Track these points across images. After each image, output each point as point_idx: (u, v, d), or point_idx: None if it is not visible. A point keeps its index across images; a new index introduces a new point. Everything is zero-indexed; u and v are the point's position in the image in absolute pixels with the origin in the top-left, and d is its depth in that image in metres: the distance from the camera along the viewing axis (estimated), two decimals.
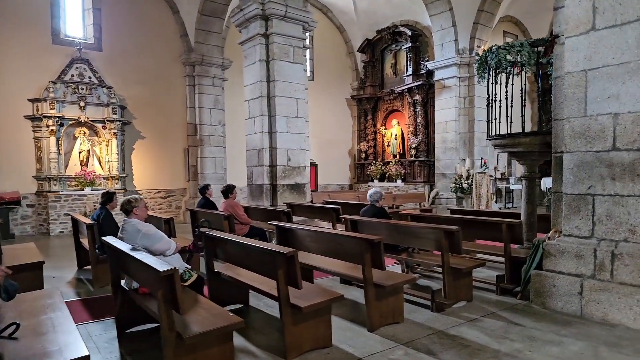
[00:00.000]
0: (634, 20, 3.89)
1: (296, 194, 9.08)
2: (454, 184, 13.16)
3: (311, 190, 13.50)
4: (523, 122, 5.12)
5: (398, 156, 15.13)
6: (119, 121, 11.08)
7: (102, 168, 11.12)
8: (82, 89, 10.70)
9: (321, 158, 15.18)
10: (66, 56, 10.69)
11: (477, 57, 5.44)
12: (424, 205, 13.27)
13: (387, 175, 15.10)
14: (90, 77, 10.88)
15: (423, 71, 14.09)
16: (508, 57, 4.98)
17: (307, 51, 15.21)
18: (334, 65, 15.86)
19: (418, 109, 14.35)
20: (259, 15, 8.81)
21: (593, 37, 4.18)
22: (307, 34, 14.96)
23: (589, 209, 4.26)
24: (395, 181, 14.79)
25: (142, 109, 11.90)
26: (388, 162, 15.19)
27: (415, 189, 14.24)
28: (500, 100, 5.33)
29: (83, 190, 10.60)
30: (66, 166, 10.67)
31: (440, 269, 4.58)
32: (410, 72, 14.31)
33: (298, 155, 9.14)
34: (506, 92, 5.19)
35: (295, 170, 9.10)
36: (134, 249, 3.53)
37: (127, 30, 11.65)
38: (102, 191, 10.82)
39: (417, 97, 14.25)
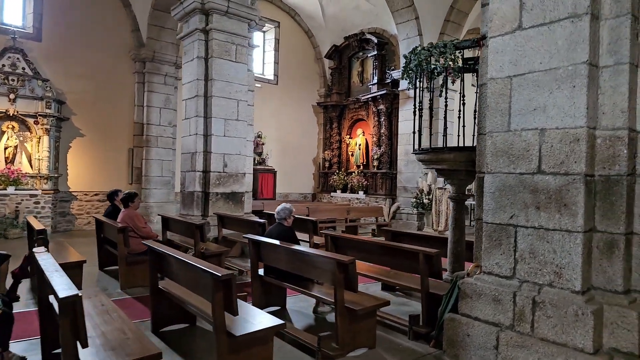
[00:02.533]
0: (565, 17, 3.15)
1: (232, 203, 8.21)
2: (414, 199, 12.41)
3: (267, 199, 12.67)
4: (445, 135, 4.35)
5: (362, 167, 14.36)
6: (53, 116, 10.11)
7: (31, 166, 10.12)
8: (14, 80, 9.73)
9: (284, 165, 14.34)
10: (0, 45, 9.73)
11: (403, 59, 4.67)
12: (384, 220, 12.50)
13: (349, 186, 14.30)
14: (24, 68, 9.91)
15: (388, 80, 13.39)
16: (433, 60, 4.22)
17: (272, 54, 14.48)
18: (301, 71, 15.08)
19: (382, 119, 13.62)
20: (198, 9, 8.00)
21: (519, 37, 3.43)
22: (262, 33, 14.22)
23: (510, 242, 3.49)
24: (357, 193, 14.00)
25: (84, 105, 10.95)
26: (351, 173, 14.41)
27: (377, 202, 13.47)
28: (421, 110, 4.57)
29: (6, 189, 9.58)
30: None
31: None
32: (375, 80, 13.59)
33: (236, 161, 8.28)
34: (430, 99, 4.44)
35: (232, 177, 8.23)
36: None
37: (71, 21, 10.73)
38: (32, 191, 9.88)
39: (382, 106, 13.52)
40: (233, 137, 8.21)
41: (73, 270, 4.97)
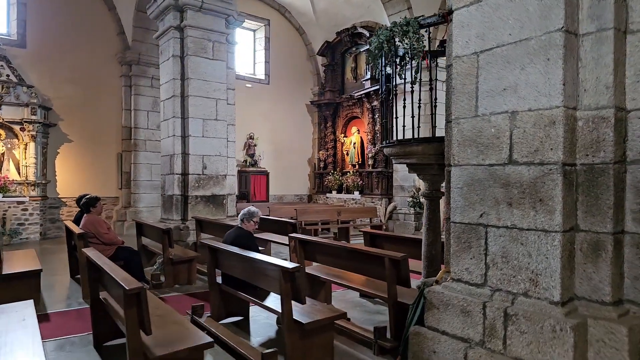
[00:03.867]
0: None
1: (213, 207, 7.74)
2: (411, 198, 11.84)
3: (260, 202, 12.20)
4: (413, 125, 3.81)
5: (357, 166, 13.80)
6: (39, 123, 9.77)
7: (18, 173, 9.79)
8: None
9: (277, 166, 13.85)
10: None
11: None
12: (380, 221, 11.93)
13: (345, 186, 13.75)
14: (8, 75, 9.59)
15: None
16: (397, 40, 3.69)
17: (262, 53, 14.02)
18: (294, 69, 14.57)
19: (377, 116, 13.04)
20: (172, 6, 7.56)
21: (486, 6, 2.89)
22: (252, 32, 13.72)
23: (481, 245, 2.94)
24: (353, 193, 13.45)
25: (72, 110, 10.60)
26: (347, 173, 13.85)
27: (372, 202, 12.89)
28: (392, 99, 4.05)
29: None
30: None
31: None
32: (369, 76, 13.01)
33: (216, 163, 7.81)
34: (395, 85, 3.92)
35: (213, 179, 7.77)
36: None
37: (56, 26, 10.39)
38: (20, 198, 9.55)
39: (376, 103, 12.93)
40: (212, 138, 7.74)
41: (22, 280, 4.58)
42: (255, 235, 7.47)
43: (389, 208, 12.47)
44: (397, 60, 3.86)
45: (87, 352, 3.40)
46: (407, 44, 3.54)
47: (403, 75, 4.20)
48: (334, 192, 14.06)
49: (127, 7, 10.78)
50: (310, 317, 3.09)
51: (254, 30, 14.38)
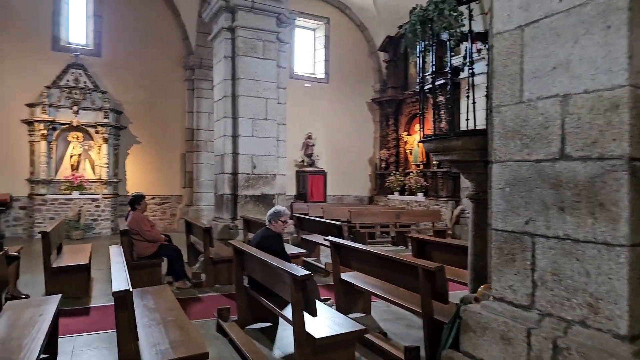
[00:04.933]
0: None
1: (262, 206, 7.73)
2: None
3: (318, 202, 12.10)
4: (452, 118, 3.36)
5: (422, 166, 13.10)
6: (111, 125, 10.57)
7: (93, 173, 10.67)
8: (76, 93, 10.34)
9: (336, 166, 13.63)
10: (65, 62, 10.40)
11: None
12: (445, 225, 11.19)
13: (407, 187, 13.13)
14: (85, 82, 10.50)
15: (447, 69, 11.99)
16: (434, 21, 3.28)
17: (322, 52, 13.91)
18: (354, 66, 14.26)
19: (442, 112, 12.24)
20: (224, 8, 7.70)
21: None
22: (312, 32, 13.61)
23: (527, 258, 2.46)
24: (416, 195, 12.79)
25: (140, 113, 11.34)
26: (409, 173, 13.22)
27: (437, 205, 12.15)
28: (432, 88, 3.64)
29: (71, 194, 10.18)
30: (57, 170, 10.34)
31: None
32: (433, 69, 12.25)
33: (266, 162, 7.81)
34: (432, 73, 3.50)
35: (262, 179, 7.77)
36: None
37: (127, 35, 11.17)
38: (93, 195, 10.41)
39: (441, 98, 12.13)
40: (262, 138, 7.75)
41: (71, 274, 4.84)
42: (303, 237, 7.41)
43: (456, 212, 11.65)
44: (435, 43, 3.43)
45: (109, 350, 3.44)
46: (444, 24, 3.11)
47: (449, 62, 3.77)
48: (395, 194, 13.50)
49: (190, 13, 11.28)
50: (325, 331, 2.82)
51: (314, 30, 14.33)
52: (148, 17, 11.39)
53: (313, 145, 13.15)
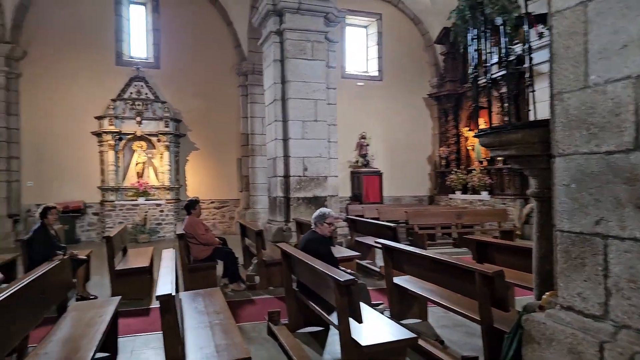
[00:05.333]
0: None
1: (314, 208, 7.68)
2: None
3: (374, 203, 11.96)
4: (509, 109, 3.13)
5: (485, 162, 12.46)
6: (171, 134, 11.18)
7: (157, 179, 11.34)
8: (139, 105, 11.06)
9: (392, 166, 13.37)
10: (127, 76, 11.17)
11: None
12: (513, 225, 10.54)
13: (470, 185, 12.55)
14: (146, 94, 11.20)
15: (512, 57, 11.31)
16: (485, 7, 3.09)
17: (375, 49, 13.75)
18: (409, 62, 13.91)
19: (506, 104, 11.58)
20: (271, 12, 7.85)
21: None
22: (364, 29, 13.41)
23: (598, 262, 2.22)
24: (480, 193, 12.18)
25: (197, 121, 11.88)
26: (472, 170, 12.62)
27: (504, 203, 11.48)
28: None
29: (137, 200, 10.90)
30: (124, 177, 11.12)
31: None
32: (495, 59, 11.62)
33: (317, 164, 7.83)
34: (483, 64, 3.29)
35: (314, 181, 7.80)
36: None
37: (183, 46, 11.76)
38: (157, 201, 11.06)
39: (505, 89, 11.51)
40: (312, 139, 7.78)
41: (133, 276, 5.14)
42: (357, 239, 7.33)
43: (525, 210, 10.94)
44: (489, 30, 3.22)
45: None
46: (496, 7, 2.91)
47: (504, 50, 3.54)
48: (457, 193, 12.96)
49: (242, 21, 11.64)
50: (373, 339, 2.73)
51: (365, 27, 14.19)
52: (202, 27, 11.92)
53: (367, 145, 13.00)
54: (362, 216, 10.11)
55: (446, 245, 8.96)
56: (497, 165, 11.93)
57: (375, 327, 2.98)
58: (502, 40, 3.32)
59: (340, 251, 6.17)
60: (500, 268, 2.97)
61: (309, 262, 3.26)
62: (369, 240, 6.84)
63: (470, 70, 3.72)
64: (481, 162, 12.58)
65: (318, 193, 7.82)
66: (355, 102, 13.18)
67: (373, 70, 13.95)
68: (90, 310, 3.37)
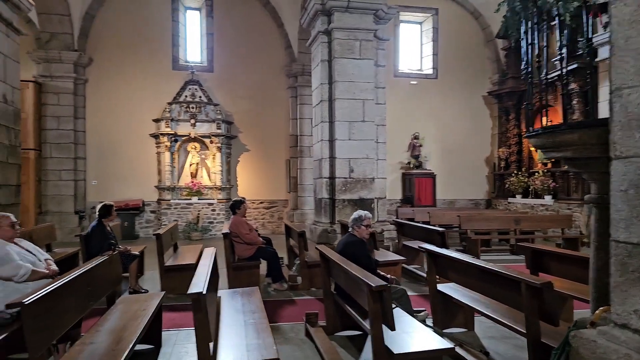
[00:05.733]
0: None
1: (360, 210, 7.69)
2: None
3: (425, 206, 11.70)
4: (564, 107, 2.92)
5: (549, 164, 11.72)
6: (223, 135, 11.60)
7: (209, 179, 11.82)
8: (193, 107, 11.58)
9: (446, 168, 12.96)
10: (183, 79, 11.75)
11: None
12: (580, 232, 9.84)
13: (531, 189, 11.86)
14: (200, 97, 11.70)
15: (581, 51, 10.56)
16: None
17: (430, 46, 13.44)
18: (467, 58, 13.40)
19: (574, 102, 10.82)
20: (320, 11, 7.91)
21: None
22: (418, 25, 13.11)
23: None
24: (543, 197, 11.48)
25: (248, 122, 12.23)
26: (534, 173, 11.92)
27: (569, 208, 10.75)
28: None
29: (190, 199, 11.43)
30: (179, 177, 11.70)
31: None
32: (563, 53, 10.89)
33: (364, 166, 7.77)
34: (538, 59, 3.10)
35: (360, 183, 7.75)
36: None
37: (235, 49, 12.16)
38: (209, 200, 11.55)
39: (573, 85, 10.76)
40: (359, 140, 7.74)
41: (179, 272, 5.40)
42: (404, 243, 7.19)
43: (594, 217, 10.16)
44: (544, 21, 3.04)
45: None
46: None
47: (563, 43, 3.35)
48: (517, 197, 12.31)
49: (293, 21, 11.83)
50: (406, 347, 2.66)
51: (420, 23, 13.88)
52: (253, 29, 12.26)
53: (420, 145, 12.71)
54: (412, 219, 9.92)
55: (503, 252, 8.54)
56: (563, 167, 11.18)
57: (410, 334, 2.91)
58: (560, 32, 3.09)
59: (385, 255, 6.09)
60: (552, 279, 2.78)
61: (344, 266, 3.24)
62: (416, 244, 6.68)
63: (522, 67, 3.53)
64: (545, 164, 11.87)
65: (364, 195, 7.76)
66: (408, 101, 12.95)
67: (427, 68, 13.62)
68: (136, 303, 3.59)
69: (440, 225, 9.41)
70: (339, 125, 7.72)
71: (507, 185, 12.60)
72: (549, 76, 11.19)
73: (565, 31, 3.63)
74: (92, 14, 11.17)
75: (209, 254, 3.67)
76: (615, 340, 2.16)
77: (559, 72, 11.16)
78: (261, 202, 12.43)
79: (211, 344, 2.66)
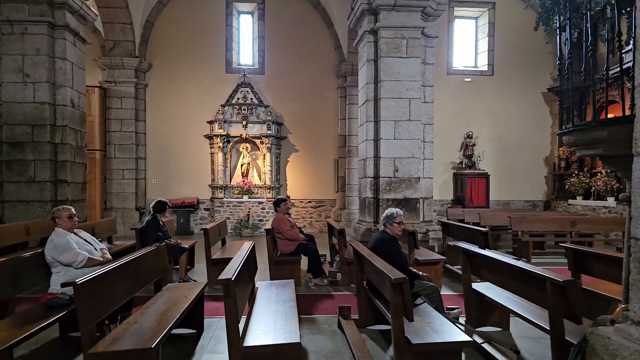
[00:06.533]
0: None
1: (405, 210, 7.76)
2: None
3: (478, 207, 11.48)
4: (594, 103, 2.92)
5: None
6: (273, 136, 12.09)
7: (259, 179, 12.37)
8: (245, 109, 12.18)
9: (501, 167, 12.60)
10: (235, 82, 12.39)
11: None
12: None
13: (593, 190, 11.24)
14: (251, 99, 12.28)
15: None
16: None
17: (485, 41, 13.15)
18: (525, 53, 12.93)
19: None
20: (366, 11, 8.06)
21: None
22: (473, 20, 12.85)
23: None
24: (605, 199, 10.85)
25: (297, 123, 12.65)
26: (597, 173, 11.29)
27: None
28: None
29: (242, 197, 12.03)
30: (231, 177, 12.35)
31: None
32: (631, 46, 10.27)
33: (409, 165, 7.83)
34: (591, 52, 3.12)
35: (405, 182, 7.82)
36: None
37: (286, 51, 12.62)
38: (259, 199, 12.08)
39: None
40: (404, 140, 7.81)
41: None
42: (449, 243, 7.18)
43: None
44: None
45: None
46: None
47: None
48: (578, 198, 11.70)
49: (342, 22, 12.04)
50: (424, 338, 2.81)
51: (476, 18, 13.59)
52: (303, 31, 12.66)
53: (473, 145, 12.46)
54: (462, 220, 9.80)
55: (557, 256, 8.22)
56: None
57: (432, 327, 3.04)
58: (586, 26, 3.09)
59: (425, 254, 6.16)
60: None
61: (370, 260, 3.43)
62: (461, 245, 6.67)
63: (556, 63, 3.53)
64: None
65: (409, 195, 7.82)
66: (461, 99, 12.75)
67: (483, 65, 13.31)
68: (180, 291, 4.00)
69: (491, 227, 9.25)
70: (384, 125, 7.84)
71: (567, 187, 12.02)
72: (611, 73, 10.66)
73: (606, 25, 3.58)
74: (151, 22, 12.10)
75: (245, 248, 4.00)
76: (630, 337, 2.19)
77: (623, 67, 10.63)
78: (309, 202, 12.80)
79: (242, 327, 2.97)
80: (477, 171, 12.21)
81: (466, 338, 2.83)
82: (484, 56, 13.32)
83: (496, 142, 12.72)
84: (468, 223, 9.29)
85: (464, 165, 12.43)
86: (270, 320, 3.14)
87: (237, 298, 2.80)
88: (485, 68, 13.20)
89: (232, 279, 2.73)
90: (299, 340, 2.71)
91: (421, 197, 8.04)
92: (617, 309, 2.47)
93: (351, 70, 12.17)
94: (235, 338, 2.72)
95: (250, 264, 3.88)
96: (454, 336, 2.86)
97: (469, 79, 12.99)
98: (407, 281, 2.82)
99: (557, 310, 2.84)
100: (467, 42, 13.61)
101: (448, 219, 9.91)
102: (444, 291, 5.69)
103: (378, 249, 3.95)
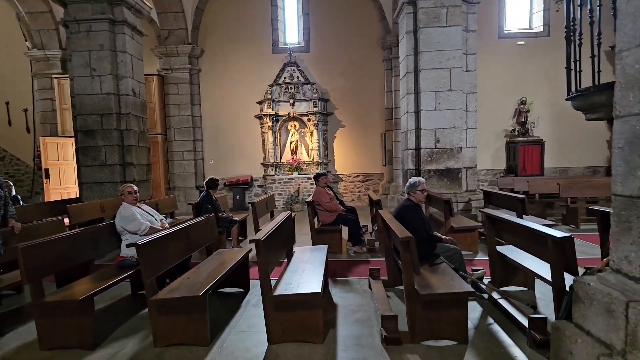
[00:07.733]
0: None
1: (447, 180, 7.99)
2: None
3: (531, 175, 11.32)
4: (593, 67, 3.06)
5: None
6: (319, 113, 12.55)
7: (308, 155, 12.94)
8: (292, 88, 12.71)
9: (558, 134, 12.18)
10: (281, 62, 12.92)
11: None
12: None
13: None
14: (298, 77, 12.76)
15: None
16: None
17: (541, 1, 12.59)
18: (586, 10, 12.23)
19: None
20: None
21: None
22: None
23: None
24: None
25: (343, 99, 12.99)
26: None
27: None
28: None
29: (292, 174, 12.71)
30: (281, 154, 13.03)
31: None
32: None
33: (450, 136, 7.98)
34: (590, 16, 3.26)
35: (446, 153, 8.00)
36: None
37: (331, 27, 12.91)
38: (308, 175, 12.68)
39: None
40: (445, 110, 7.94)
41: None
42: (484, 210, 7.33)
43: None
44: None
45: None
46: None
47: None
48: None
49: None
50: (431, 290, 3.22)
51: None
52: (347, 5, 12.83)
53: (527, 111, 12.14)
54: (512, 189, 9.81)
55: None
56: None
57: (442, 281, 3.43)
58: None
59: (461, 221, 6.42)
60: (569, 234, 3.06)
61: (389, 224, 3.85)
62: (500, 212, 6.84)
63: (564, 25, 3.65)
64: None
65: (451, 165, 8.00)
66: (514, 63, 12.41)
67: (538, 26, 12.78)
68: (227, 255, 4.66)
69: (540, 195, 9.21)
70: (424, 96, 8.01)
71: None
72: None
73: None
74: (202, 8, 12.85)
75: (281, 215, 4.56)
76: (606, 283, 2.47)
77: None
78: (357, 176, 13.22)
79: (274, 282, 3.54)
80: (531, 138, 11.92)
81: (468, 289, 3.20)
82: (539, 16, 12.77)
83: (552, 107, 12.27)
84: (518, 192, 9.30)
85: (517, 133, 12.18)
86: (298, 276, 3.68)
87: (267, 256, 3.35)
88: (541, 29, 12.66)
89: (262, 239, 3.28)
90: (319, 291, 3.23)
91: (464, 167, 8.19)
92: (604, 260, 2.72)
93: (396, 42, 12.13)
94: (267, 288, 3.29)
95: (284, 230, 4.43)
96: (459, 288, 3.23)
97: (523, 42, 12.55)
98: (413, 240, 3.21)
99: (557, 264, 3.12)
100: (522, 2, 13.08)
101: (500, 189, 9.95)
102: (480, 256, 5.96)
103: (402, 215, 4.33)
